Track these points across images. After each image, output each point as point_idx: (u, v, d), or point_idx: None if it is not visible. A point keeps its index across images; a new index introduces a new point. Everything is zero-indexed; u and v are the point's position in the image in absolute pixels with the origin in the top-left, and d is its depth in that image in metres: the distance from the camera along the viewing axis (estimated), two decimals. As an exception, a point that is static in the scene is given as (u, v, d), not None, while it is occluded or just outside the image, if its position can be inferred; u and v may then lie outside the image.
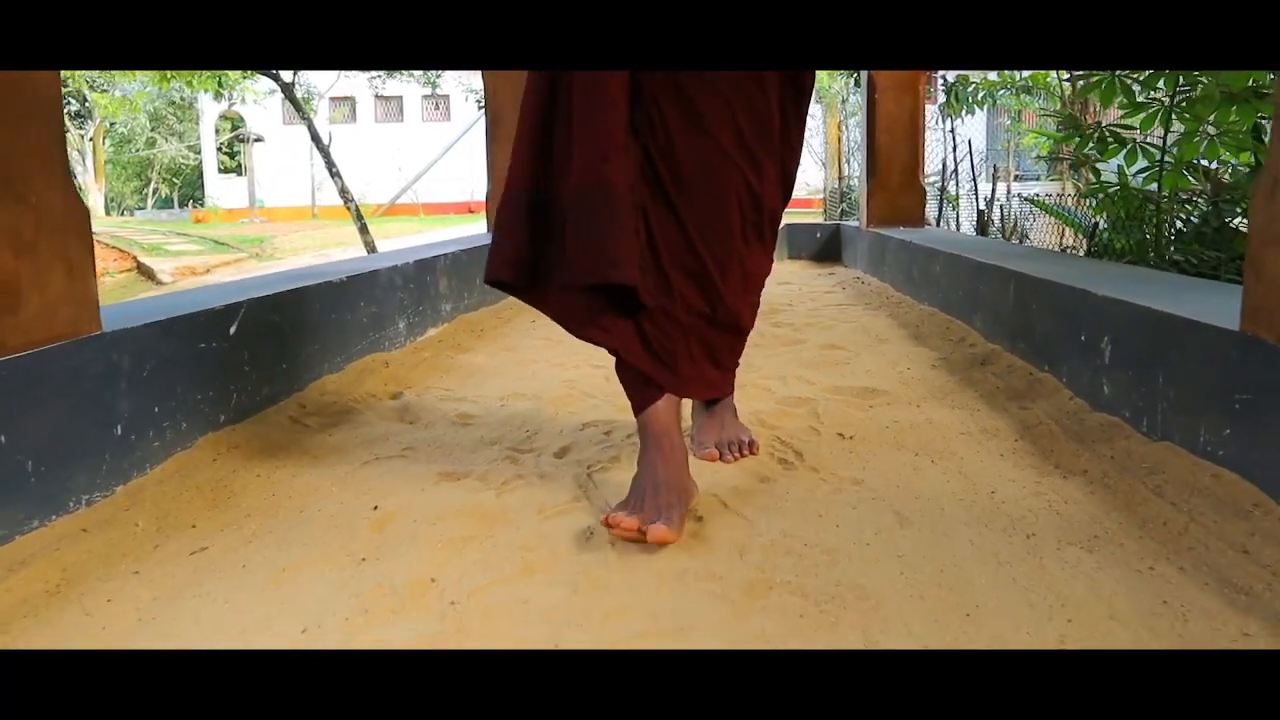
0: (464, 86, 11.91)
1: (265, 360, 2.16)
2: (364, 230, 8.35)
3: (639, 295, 1.48)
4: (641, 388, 1.56)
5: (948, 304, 3.46)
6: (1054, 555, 1.33)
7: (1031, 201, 5.77)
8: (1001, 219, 6.07)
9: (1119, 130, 4.52)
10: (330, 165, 8.12)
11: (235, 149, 26.66)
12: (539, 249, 1.53)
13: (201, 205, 26.23)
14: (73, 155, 27.64)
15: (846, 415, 2.16)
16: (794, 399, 2.31)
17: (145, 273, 12.38)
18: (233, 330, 2.03)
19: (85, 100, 26.40)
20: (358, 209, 8.31)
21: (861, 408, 2.23)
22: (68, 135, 24.28)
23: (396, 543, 1.43)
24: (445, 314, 3.49)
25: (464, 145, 21.13)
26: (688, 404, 1.95)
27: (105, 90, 24.64)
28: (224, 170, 23.79)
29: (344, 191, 8.22)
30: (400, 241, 11.88)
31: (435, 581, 1.27)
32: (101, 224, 19.32)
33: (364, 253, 8.69)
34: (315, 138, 8.20)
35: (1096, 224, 4.20)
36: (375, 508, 1.57)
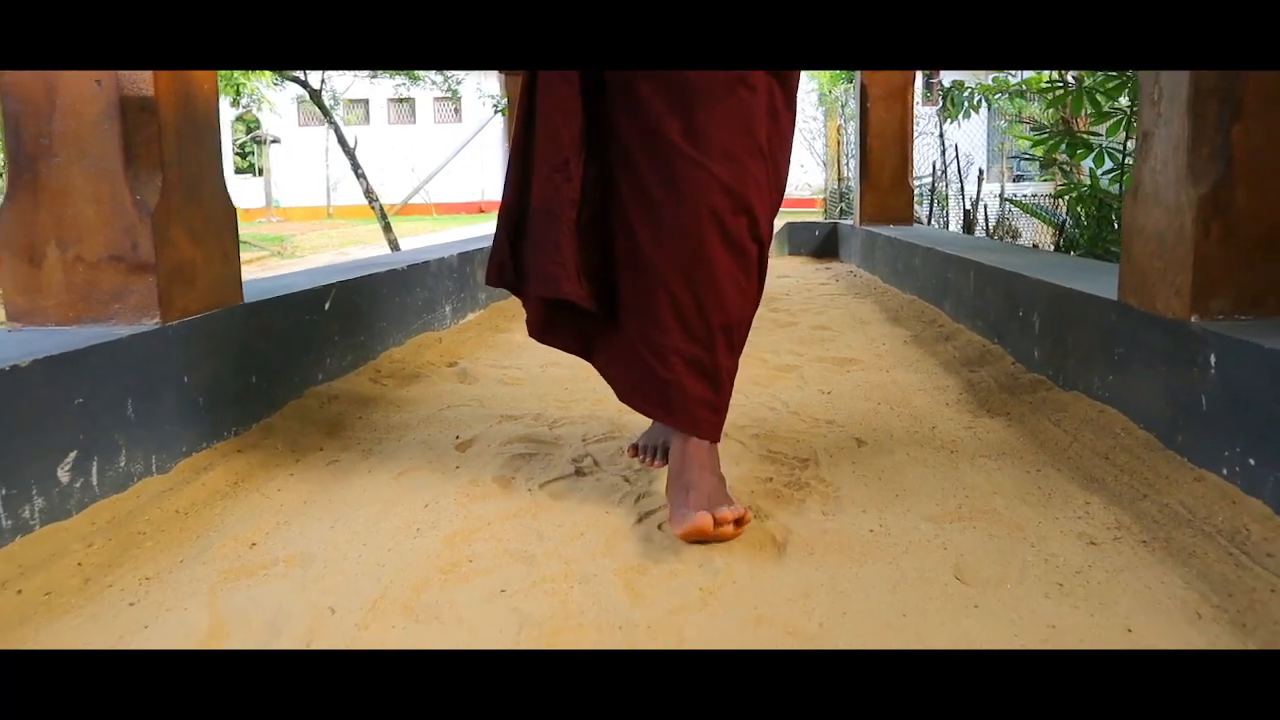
0: (478, 90, 12.40)
1: (349, 332, 2.63)
2: (387, 229, 8.84)
3: (585, 305, 1.53)
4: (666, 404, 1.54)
5: (924, 291, 3.92)
6: (968, 463, 1.80)
7: (1011, 201, 6.22)
8: (985, 218, 6.53)
9: (1087, 136, 4.99)
10: (356, 167, 8.60)
11: (248, 150, 27.18)
12: (519, 260, 1.62)
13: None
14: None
15: (827, 377, 2.62)
16: (784, 366, 2.78)
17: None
18: (326, 307, 2.51)
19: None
20: (382, 209, 8.78)
21: (840, 373, 2.70)
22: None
23: (478, 457, 1.90)
24: (482, 301, 3.97)
25: (475, 146, 21.63)
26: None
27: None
28: (239, 171, 24.36)
29: (369, 192, 8.70)
30: (417, 240, 12.35)
31: (514, 479, 1.75)
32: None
33: (385, 250, 9.17)
34: (342, 141, 8.68)
35: (1064, 221, 4.66)
36: (457, 437, 2.04)
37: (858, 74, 6.03)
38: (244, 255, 14.32)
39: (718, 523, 1.38)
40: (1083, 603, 1.20)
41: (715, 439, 1.52)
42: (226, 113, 26.04)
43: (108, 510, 1.54)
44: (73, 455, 1.52)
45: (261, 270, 14.16)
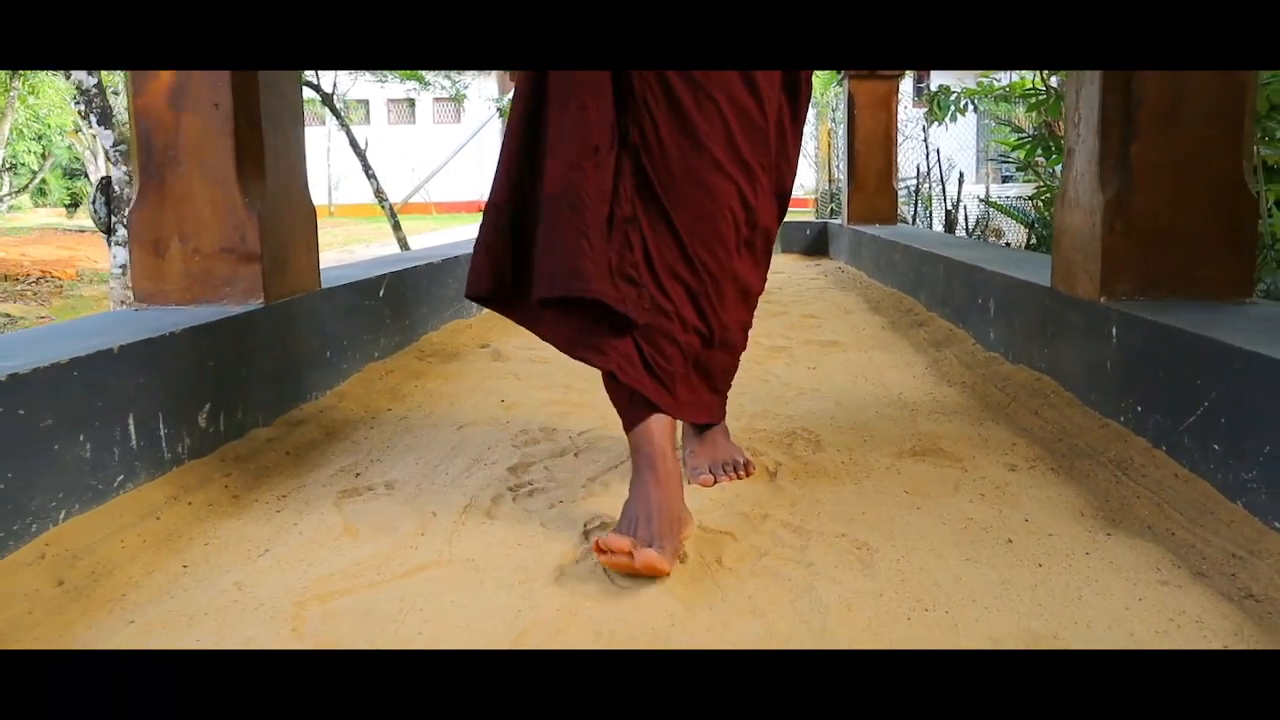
0: (478, 92, 12.82)
1: (398, 316, 3.03)
2: (397, 227, 9.22)
3: (621, 311, 1.46)
4: (630, 405, 1.53)
5: (903, 284, 4.33)
6: (925, 417, 2.21)
7: (988, 202, 6.64)
8: (965, 218, 6.95)
9: (1062, 138, 5.41)
10: (367, 168, 8.98)
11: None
12: (521, 263, 1.51)
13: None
14: (85, 155, 28.51)
15: (813, 357, 3.03)
16: (776, 348, 3.18)
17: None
18: (381, 293, 2.90)
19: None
20: (391, 208, 9.17)
21: (825, 353, 3.10)
22: (80, 135, 24.65)
23: (523, 412, 2.30)
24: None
25: (474, 146, 22.00)
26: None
27: (116, 92, 25.50)
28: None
29: (379, 192, 9.08)
30: (422, 238, 12.73)
31: (555, 430, 2.14)
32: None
33: (393, 249, 9.55)
34: (353, 142, 9.06)
35: (1034, 221, 5.07)
36: (501, 401, 2.44)
37: (846, 82, 6.44)
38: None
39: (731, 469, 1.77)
40: (996, 505, 1.60)
41: (716, 421, 1.78)
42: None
43: (233, 451, 1.93)
44: (207, 406, 1.91)
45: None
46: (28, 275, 12.00)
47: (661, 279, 1.49)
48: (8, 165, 18.08)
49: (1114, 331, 1.97)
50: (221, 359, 1.97)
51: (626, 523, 1.39)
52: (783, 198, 1.70)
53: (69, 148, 29.06)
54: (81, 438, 1.54)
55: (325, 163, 21.97)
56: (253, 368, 2.09)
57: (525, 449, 2.00)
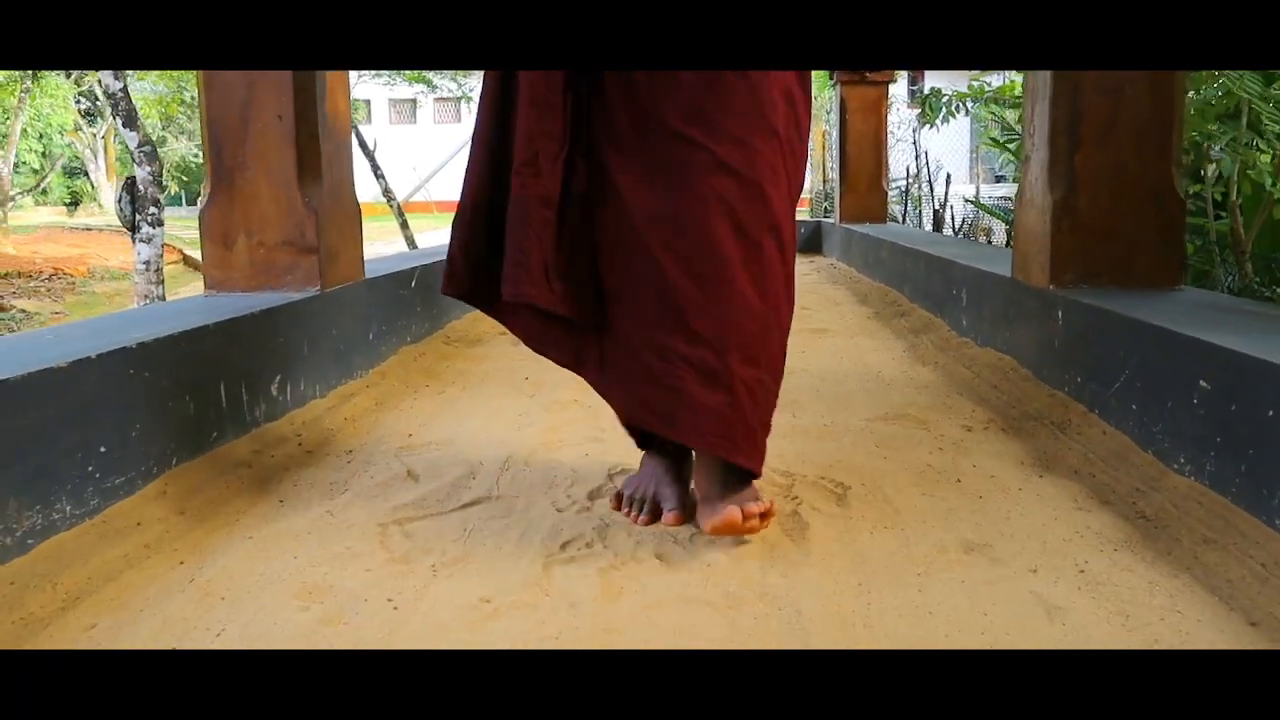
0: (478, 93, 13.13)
1: (427, 305, 3.34)
2: (404, 225, 9.53)
3: (556, 312, 1.45)
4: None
5: (889, 279, 4.65)
6: (898, 391, 2.52)
7: (973, 202, 6.96)
8: (951, 217, 7.28)
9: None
10: (376, 168, 9.29)
11: (248, 148, 27.85)
12: (491, 262, 1.51)
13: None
14: (85, 154, 28.79)
15: (803, 343, 3.34)
16: (770, 334, 3.50)
17: (191, 264, 13.56)
18: (413, 284, 3.21)
19: (96, 100, 27.53)
20: (399, 207, 9.48)
21: (814, 340, 3.42)
22: (80, 134, 24.79)
23: (546, 388, 2.61)
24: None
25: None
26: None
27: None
28: (244, 169, 25.12)
29: (387, 191, 9.39)
30: (425, 236, 13.02)
31: (578, 401, 2.45)
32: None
33: (401, 247, 9.85)
34: (362, 143, 9.37)
35: (1012, 219, 5.39)
36: (526, 378, 2.75)
37: (838, 87, 6.75)
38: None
39: (746, 517, 1.39)
40: (950, 455, 1.92)
41: (734, 457, 1.42)
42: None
43: (299, 416, 2.24)
44: (277, 378, 2.22)
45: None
46: (40, 272, 12.28)
47: (618, 275, 1.44)
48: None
49: (1060, 315, 2.28)
50: (288, 337, 2.28)
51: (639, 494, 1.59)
52: (794, 183, 1.51)
53: (69, 146, 29.29)
54: (187, 398, 1.85)
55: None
56: (311, 346, 2.40)
57: (555, 414, 2.31)
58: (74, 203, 29.01)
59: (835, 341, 3.35)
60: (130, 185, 6.69)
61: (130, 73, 6.85)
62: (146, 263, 6.75)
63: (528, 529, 1.57)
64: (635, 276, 1.43)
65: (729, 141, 1.39)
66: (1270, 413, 1.42)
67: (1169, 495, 1.60)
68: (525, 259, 1.43)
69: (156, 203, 6.74)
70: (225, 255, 2.51)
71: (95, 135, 29.17)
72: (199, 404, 1.88)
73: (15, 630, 1.22)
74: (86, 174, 28.72)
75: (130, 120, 6.68)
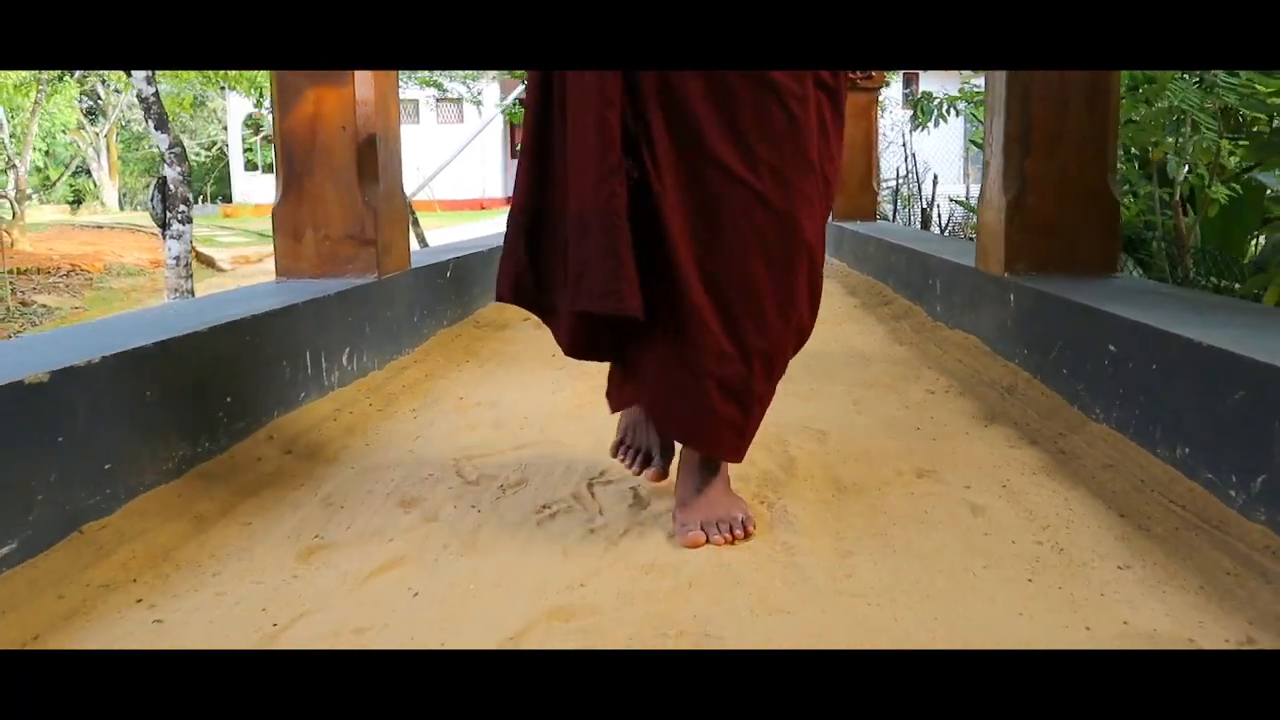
0: (488, 98, 13.55)
1: (459, 293, 3.74)
2: (415, 224, 9.91)
3: (640, 322, 1.46)
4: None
5: (876, 272, 5.05)
6: (875, 365, 2.92)
7: (957, 201, 7.37)
8: (939, 216, 7.69)
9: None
10: (387, 168, 9.68)
11: (249, 146, 28.25)
12: (545, 268, 1.55)
13: (228, 201, 27.83)
14: (88, 153, 29.13)
15: (795, 327, 3.75)
16: (765, 320, 3.90)
17: (205, 261, 13.94)
18: (448, 275, 3.61)
19: (98, 100, 27.88)
20: (410, 206, 9.88)
21: (805, 324, 3.82)
22: (83, 133, 24.88)
23: (574, 363, 3.00)
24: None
25: (476, 145, 22.70)
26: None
27: (119, 91, 26.21)
28: (251, 167, 25.44)
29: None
30: (432, 235, 13.41)
31: (604, 372, 2.85)
32: (144, 219, 20.70)
33: (413, 245, 10.23)
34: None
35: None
36: (553, 355, 3.15)
37: (830, 94, 7.14)
38: (269, 248, 15.29)
39: (710, 540, 1.51)
40: (914, 411, 2.32)
41: (729, 458, 1.57)
42: (238, 114, 27.13)
43: (365, 384, 2.63)
44: (346, 350, 2.61)
45: (286, 262, 15.28)
46: (58, 269, 12.66)
47: (657, 287, 1.47)
48: (10, 164, 18.71)
49: (1012, 298, 2.69)
50: (355, 316, 2.68)
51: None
52: (828, 196, 1.55)
53: (71, 144, 29.59)
54: (284, 364, 2.24)
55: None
56: (371, 325, 2.79)
57: (584, 382, 2.71)
58: (77, 201, 29.30)
59: (823, 329, 3.73)
60: (162, 185, 7.07)
61: (138, 74, 7.18)
62: (177, 258, 7.13)
63: (572, 462, 1.96)
64: (669, 293, 1.46)
65: (768, 174, 1.43)
66: (1154, 366, 1.82)
67: (1084, 436, 1.99)
68: (623, 270, 1.41)
69: (186, 201, 7.12)
70: (295, 247, 2.90)
71: (98, 134, 29.53)
72: (292, 368, 2.27)
73: (195, 523, 1.61)
74: (89, 172, 29.05)
75: (162, 123, 7.06)
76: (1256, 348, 1.55)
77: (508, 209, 1.61)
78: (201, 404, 1.88)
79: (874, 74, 6.81)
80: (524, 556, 1.48)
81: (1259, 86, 3.32)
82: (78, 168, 30.16)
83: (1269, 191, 4.17)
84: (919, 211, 8.06)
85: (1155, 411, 1.82)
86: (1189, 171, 3.63)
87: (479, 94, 10.57)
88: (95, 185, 29.15)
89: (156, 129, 7.06)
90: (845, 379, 2.72)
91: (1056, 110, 2.72)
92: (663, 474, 1.72)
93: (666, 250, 1.45)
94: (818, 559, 1.44)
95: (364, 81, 2.83)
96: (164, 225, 7.15)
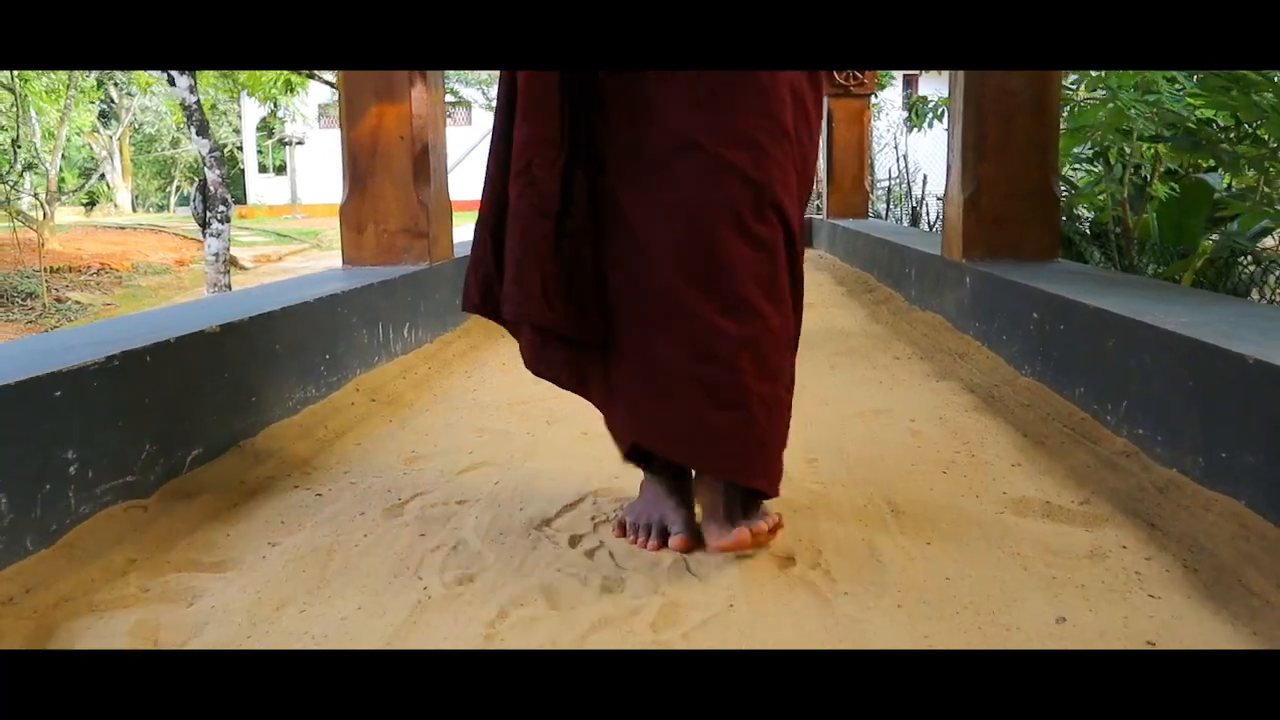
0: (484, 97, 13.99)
1: (491, 281, 4.24)
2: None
3: (562, 332, 1.39)
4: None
5: (863, 264, 5.55)
6: (854, 339, 3.43)
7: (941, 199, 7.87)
8: (927, 213, 8.19)
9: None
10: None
11: (262, 149, 28.83)
12: (500, 274, 1.45)
13: (243, 203, 28.43)
14: (101, 155, 29.69)
15: (788, 310, 4.25)
16: (762, 305, 4.41)
17: (230, 260, 14.49)
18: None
19: (113, 102, 28.44)
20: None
21: (797, 308, 4.32)
22: (97, 135, 25.30)
23: (594, 339, 3.51)
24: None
25: (484, 149, 23.24)
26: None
27: (132, 94, 26.76)
28: (263, 170, 26.03)
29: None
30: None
31: (617, 344, 3.36)
32: (169, 220, 21.24)
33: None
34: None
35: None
36: (576, 332, 3.66)
37: (825, 99, 7.64)
38: (287, 248, 15.79)
39: (755, 534, 1.34)
40: (880, 372, 2.82)
41: (750, 481, 1.36)
42: (251, 118, 27.69)
43: (422, 354, 3.13)
44: (407, 324, 3.12)
45: (304, 260, 15.77)
46: (88, 267, 13.19)
47: (622, 291, 1.37)
48: (28, 165, 19.23)
49: (968, 281, 3.18)
50: (412, 296, 3.18)
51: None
52: (806, 174, 1.45)
53: (84, 147, 30.10)
54: (364, 331, 2.75)
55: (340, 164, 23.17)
56: (424, 305, 3.30)
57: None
58: (91, 203, 29.82)
59: (812, 313, 4.24)
60: (203, 187, 7.60)
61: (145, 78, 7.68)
62: (216, 254, 7.66)
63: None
64: (639, 292, 1.35)
65: (737, 143, 1.31)
66: (1062, 327, 2.32)
67: (1013, 387, 2.49)
68: (522, 274, 1.35)
69: (225, 202, 7.65)
70: (358, 239, 3.41)
71: (111, 137, 30.09)
72: (370, 334, 2.78)
73: (318, 444, 2.12)
74: (103, 175, 29.58)
75: (203, 129, 7.58)
76: (1130, 309, 2.05)
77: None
78: (309, 358, 2.39)
79: (865, 80, 7.30)
80: (570, 463, 1.98)
81: (1189, 100, 3.82)
82: (89, 169, 30.66)
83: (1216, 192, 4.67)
84: (909, 210, 8.56)
85: (1063, 362, 2.32)
86: (1134, 173, 4.13)
87: (493, 101, 11.08)
88: (109, 187, 29.68)
89: (198, 134, 7.58)
90: (826, 349, 3.23)
91: (1005, 122, 3.21)
92: (689, 540, 1.45)
93: (633, 244, 1.35)
94: (790, 458, 1.93)
95: (419, 98, 3.33)
96: (204, 224, 7.68)
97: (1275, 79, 3.21)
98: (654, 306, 1.34)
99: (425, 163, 3.40)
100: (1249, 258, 4.12)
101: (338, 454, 2.06)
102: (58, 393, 1.48)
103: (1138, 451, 1.83)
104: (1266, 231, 4.33)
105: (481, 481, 1.87)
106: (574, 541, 1.54)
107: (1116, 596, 1.31)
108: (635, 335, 1.36)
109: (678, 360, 1.32)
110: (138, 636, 1.22)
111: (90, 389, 1.56)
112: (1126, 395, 1.95)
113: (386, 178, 3.37)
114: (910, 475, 1.85)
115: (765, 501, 1.43)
